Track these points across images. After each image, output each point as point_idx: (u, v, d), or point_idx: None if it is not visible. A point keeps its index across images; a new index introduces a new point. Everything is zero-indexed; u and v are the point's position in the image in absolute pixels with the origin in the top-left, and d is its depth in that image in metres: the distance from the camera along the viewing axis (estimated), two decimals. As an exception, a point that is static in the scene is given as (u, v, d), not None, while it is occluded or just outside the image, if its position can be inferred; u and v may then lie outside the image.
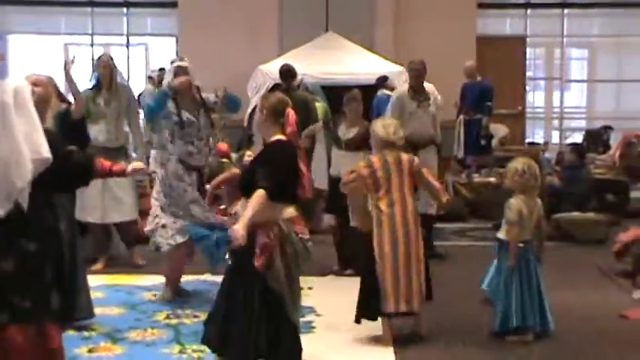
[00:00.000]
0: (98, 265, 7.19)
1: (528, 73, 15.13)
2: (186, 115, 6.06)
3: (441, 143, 7.94)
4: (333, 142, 7.51)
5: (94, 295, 5.77)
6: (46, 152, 3.42)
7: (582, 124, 16.07)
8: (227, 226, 4.54)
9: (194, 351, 4.95)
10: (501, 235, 5.33)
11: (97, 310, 5.60)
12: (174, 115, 6.02)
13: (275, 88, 9.61)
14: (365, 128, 6.66)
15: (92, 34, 14.63)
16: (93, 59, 13.69)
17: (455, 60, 11.58)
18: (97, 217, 7.17)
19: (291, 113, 4.52)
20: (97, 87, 7.11)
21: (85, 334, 5.27)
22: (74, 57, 6.64)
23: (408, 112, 7.66)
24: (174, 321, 5.64)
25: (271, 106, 4.50)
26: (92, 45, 14.56)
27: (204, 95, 6.18)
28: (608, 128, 13.88)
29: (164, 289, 6.30)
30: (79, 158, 3.90)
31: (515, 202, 5.25)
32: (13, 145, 3.30)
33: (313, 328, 5.47)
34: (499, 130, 12.79)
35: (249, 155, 7.65)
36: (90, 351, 4.97)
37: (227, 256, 5.31)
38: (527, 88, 15.21)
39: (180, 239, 6.03)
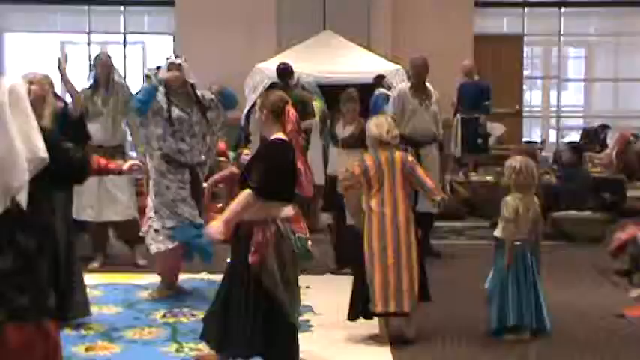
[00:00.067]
0: (95, 264, 7.18)
1: (525, 72, 15.15)
2: (176, 111, 6.03)
3: (447, 140, 7.91)
4: (331, 141, 7.51)
5: (91, 293, 5.77)
6: (42, 152, 3.41)
7: (579, 122, 16.09)
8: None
9: (191, 349, 4.95)
10: (498, 233, 5.34)
11: (94, 309, 5.60)
12: (165, 111, 6.01)
13: (272, 86, 9.62)
14: (361, 127, 6.64)
15: (89, 33, 14.61)
16: (90, 58, 13.72)
17: (452, 59, 11.58)
18: (92, 215, 7.16)
19: (291, 111, 4.52)
20: (95, 86, 7.10)
21: (82, 332, 5.27)
22: (66, 55, 6.64)
23: (409, 109, 7.62)
24: (171, 319, 5.64)
25: (271, 104, 4.50)
26: (89, 43, 14.54)
27: (200, 92, 6.16)
28: (605, 127, 13.88)
29: (158, 285, 6.31)
30: (74, 156, 3.90)
31: (511, 200, 5.25)
32: (9, 145, 3.29)
33: (310, 326, 5.48)
34: (496, 129, 12.79)
35: (246, 154, 7.68)
36: (87, 349, 4.97)
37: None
38: (525, 86, 15.23)
39: (169, 244, 6.09)
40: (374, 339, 5.21)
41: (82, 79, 7.29)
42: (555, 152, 12.55)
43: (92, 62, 7.30)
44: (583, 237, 8.60)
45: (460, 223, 9.67)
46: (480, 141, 11.07)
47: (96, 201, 7.11)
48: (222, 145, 9.28)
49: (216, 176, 7.78)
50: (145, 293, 6.32)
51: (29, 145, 3.36)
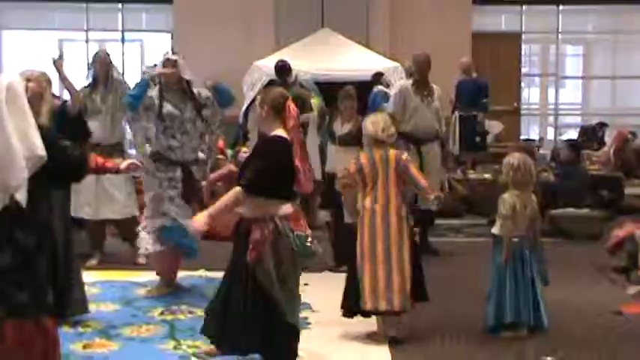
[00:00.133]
0: (93, 261, 7.18)
1: (523, 70, 15.15)
2: (168, 107, 6.01)
3: (446, 138, 7.90)
4: (328, 138, 7.51)
5: (89, 291, 5.77)
6: (40, 150, 3.40)
7: (577, 120, 16.11)
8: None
9: (189, 347, 4.95)
10: (495, 230, 5.34)
11: (92, 306, 5.60)
12: (156, 107, 6.00)
13: (270, 84, 9.61)
14: (359, 124, 6.65)
15: (87, 30, 14.60)
16: (88, 55, 13.70)
17: (450, 56, 11.57)
18: (90, 213, 7.16)
19: (292, 106, 4.52)
20: (94, 83, 7.09)
21: (80, 330, 5.27)
22: (61, 53, 6.63)
23: (411, 106, 7.60)
24: (169, 317, 5.64)
25: (272, 100, 4.50)
26: (87, 41, 14.53)
27: (196, 90, 6.13)
28: (603, 125, 13.89)
29: (157, 284, 6.32)
30: (72, 154, 3.90)
31: (508, 197, 5.26)
32: (6, 143, 3.28)
33: (309, 324, 5.48)
34: (494, 126, 12.79)
35: (244, 152, 7.69)
36: (85, 347, 4.97)
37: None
38: (523, 84, 15.23)
39: (158, 248, 6.12)
40: (372, 337, 5.22)
41: (80, 77, 7.29)
42: (553, 150, 12.56)
43: (91, 60, 7.29)
44: (581, 234, 8.61)
45: (458, 220, 9.68)
46: (478, 139, 11.07)
47: (93, 199, 7.10)
48: (220, 142, 9.27)
49: (214, 174, 7.78)
50: (143, 291, 6.32)
51: (27, 142, 3.36)
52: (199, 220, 4.33)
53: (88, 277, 5.93)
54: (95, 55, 7.29)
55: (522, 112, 15.11)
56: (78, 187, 6.16)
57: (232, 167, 8.42)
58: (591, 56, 16.51)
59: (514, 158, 5.34)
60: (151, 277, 6.47)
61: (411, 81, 7.88)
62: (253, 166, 4.33)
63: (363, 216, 5.13)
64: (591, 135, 13.53)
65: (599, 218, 8.94)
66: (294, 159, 4.43)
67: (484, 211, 9.23)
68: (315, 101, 9.03)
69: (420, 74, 7.73)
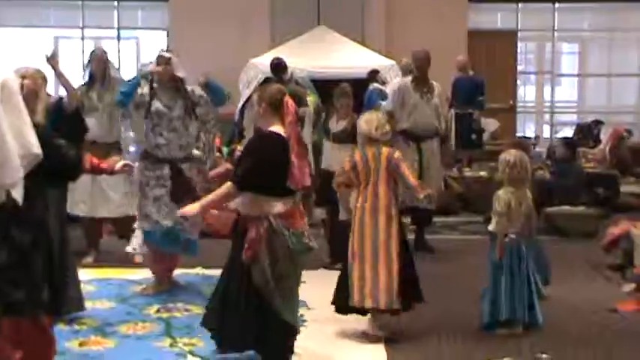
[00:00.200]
0: (89, 259, 7.17)
1: (519, 68, 15.18)
2: (156, 105, 5.99)
3: (447, 135, 7.88)
4: (324, 135, 7.50)
5: (85, 288, 5.77)
6: (35, 148, 3.40)
7: (573, 118, 16.13)
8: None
9: (185, 344, 4.95)
10: (491, 227, 5.35)
11: (88, 304, 5.59)
12: (146, 104, 5.98)
13: (266, 81, 9.61)
14: (354, 122, 6.65)
15: (83, 28, 14.58)
16: (83, 53, 13.70)
17: (446, 54, 11.55)
18: (85, 210, 7.16)
19: (289, 102, 4.51)
20: (91, 81, 7.08)
21: (76, 327, 5.26)
22: (53, 51, 6.62)
23: (410, 103, 7.58)
24: (165, 314, 5.64)
25: (270, 97, 4.50)
26: (83, 38, 14.51)
27: (190, 88, 6.11)
28: (598, 122, 13.91)
29: (152, 281, 6.32)
30: (67, 153, 3.89)
31: (503, 194, 5.26)
32: (0, 141, 3.28)
33: (304, 321, 5.46)
34: (490, 124, 12.80)
35: (240, 150, 7.67)
36: (80, 345, 4.96)
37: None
38: (519, 82, 15.25)
39: (145, 249, 6.18)
40: (367, 334, 5.21)
41: (75, 74, 7.28)
42: (549, 147, 12.58)
43: (88, 58, 7.28)
44: (576, 232, 8.62)
45: (454, 218, 9.69)
46: (474, 136, 11.09)
47: (88, 197, 7.10)
48: (216, 140, 9.27)
49: (211, 173, 7.76)
50: (139, 288, 6.31)
51: (22, 140, 3.35)
52: (191, 208, 4.46)
53: (83, 274, 5.92)
54: (92, 53, 7.28)
55: (518, 109, 15.14)
56: (74, 184, 6.15)
57: (229, 166, 8.40)
58: (587, 54, 16.54)
59: (510, 155, 5.34)
60: (147, 274, 6.46)
61: (410, 78, 7.86)
62: (245, 161, 4.37)
63: (354, 213, 5.15)
64: (587, 133, 13.55)
65: (595, 216, 8.95)
66: (289, 155, 4.41)
67: (479, 209, 9.23)
68: (311, 99, 9.02)
69: (420, 71, 7.71)
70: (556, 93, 15.71)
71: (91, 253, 7.27)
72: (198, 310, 5.57)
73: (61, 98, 6.97)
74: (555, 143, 11.63)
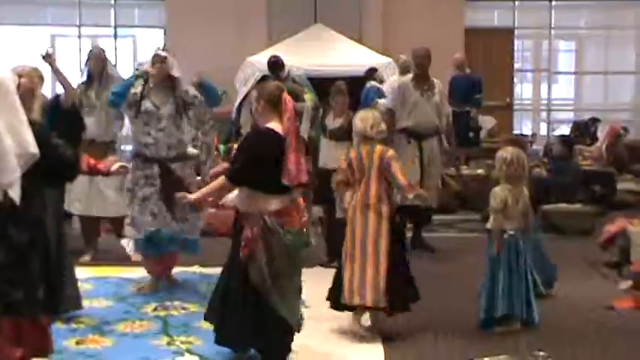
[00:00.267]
0: (86, 258, 7.17)
1: (516, 65, 15.18)
2: (147, 104, 5.98)
3: (449, 133, 7.85)
4: (321, 132, 7.50)
5: (83, 287, 5.77)
6: (32, 147, 3.39)
7: (570, 115, 16.13)
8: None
9: (182, 342, 4.95)
10: (489, 224, 5.35)
11: (86, 303, 5.59)
12: (137, 103, 5.97)
13: (263, 79, 9.61)
14: (350, 119, 6.64)
15: (79, 26, 14.55)
16: (80, 51, 13.68)
17: (443, 52, 11.52)
18: (80, 209, 7.15)
19: (288, 99, 4.52)
20: (89, 80, 7.07)
21: (73, 326, 5.26)
22: (48, 49, 6.62)
23: (410, 101, 7.54)
24: (162, 313, 5.64)
25: (268, 94, 4.51)
26: (79, 37, 14.49)
27: (185, 88, 6.08)
28: (595, 120, 13.91)
29: (148, 280, 6.32)
30: (65, 152, 3.89)
31: (499, 191, 5.26)
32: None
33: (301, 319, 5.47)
34: (487, 122, 12.80)
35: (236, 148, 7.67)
36: (78, 343, 4.96)
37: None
38: (515, 80, 15.25)
39: (135, 253, 6.27)
40: (365, 332, 5.22)
41: (72, 72, 7.27)
42: (546, 145, 12.58)
43: (86, 56, 7.27)
44: (573, 229, 8.63)
45: (451, 216, 9.69)
46: (471, 134, 11.09)
47: (84, 196, 7.10)
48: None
49: (210, 171, 7.76)
50: (136, 287, 6.30)
51: (19, 139, 3.34)
52: (188, 197, 4.74)
53: (81, 273, 5.92)
54: (90, 52, 7.27)
55: (515, 107, 15.14)
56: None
57: (226, 165, 8.40)
58: (584, 52, 16.55)
59: (507, 152, 5.34)
60: (144, 273, 6.46)
61: (410, 76, 7.84)
62: (239, 156, 4.44)
63: (348, 213, 5.17)
64: (584, 130, 13.55)
65: (592, 213, 8.96)
66: (284, 151, 4.40)
67: (477, 207, 9.25)
68: (309, 97, 9.03)
69: (420, 68, 7.67)
70: (553, 91, 15.71)
71: (88, 251, 7.27)
72: (196, 309, 5.58)
73: (57, 95, 6.96)
74: (552, 141, 11.63)
